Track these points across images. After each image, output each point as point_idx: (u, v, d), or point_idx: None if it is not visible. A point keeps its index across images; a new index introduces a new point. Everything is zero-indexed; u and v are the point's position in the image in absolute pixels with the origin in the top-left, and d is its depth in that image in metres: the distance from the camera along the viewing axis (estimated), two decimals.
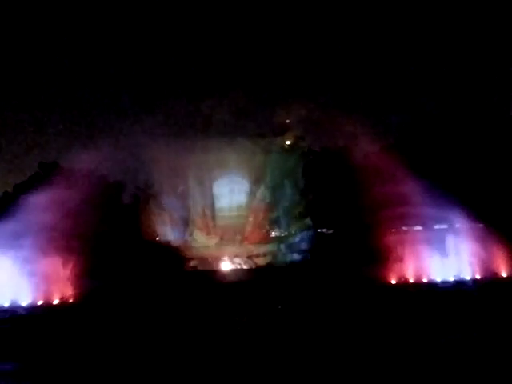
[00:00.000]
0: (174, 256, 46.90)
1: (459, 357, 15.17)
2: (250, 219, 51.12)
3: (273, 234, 51.72)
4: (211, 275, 42.29)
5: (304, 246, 48.65)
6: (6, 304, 29.24)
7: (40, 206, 35.53)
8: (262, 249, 49.80)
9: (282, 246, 49.39)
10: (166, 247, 47.77)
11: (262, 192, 51.50)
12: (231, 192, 51.84)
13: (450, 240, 34.52)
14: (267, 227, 51.71)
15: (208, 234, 50.85)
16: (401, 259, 33.81)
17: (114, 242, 41.44)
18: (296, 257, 48.00)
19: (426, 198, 35.63)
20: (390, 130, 55.45)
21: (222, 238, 50.62)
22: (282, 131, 54.19)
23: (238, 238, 50.54)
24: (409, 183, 36.69)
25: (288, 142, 54.22)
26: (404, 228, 43.24)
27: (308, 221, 49.99)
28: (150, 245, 46.93)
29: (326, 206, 47.64)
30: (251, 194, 51.66)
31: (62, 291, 31.71)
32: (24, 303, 29.59)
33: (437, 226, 41.68)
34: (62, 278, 32.42)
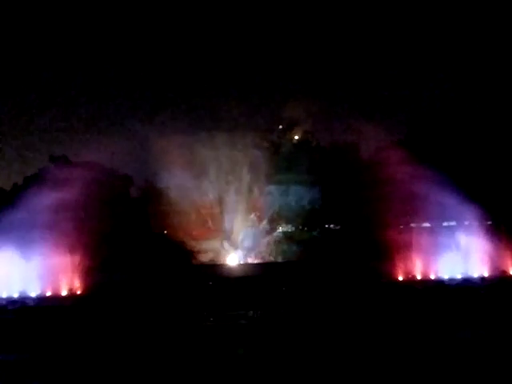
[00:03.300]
0: (181, 250, 47.11)
1: (466, 354, 15.11)
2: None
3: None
4: (218, 269, 42.42)
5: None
6: (16, 295, 29.63)
7: (49, 199, 35.79)
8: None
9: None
10: (174, 241, 47.93)
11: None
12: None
13: (458, 237, 34.29)
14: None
15: None
16: (408, 256, 33.67)
17: (122, 235, 41.63)
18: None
19: (434, 194, 35.41)
20: (400, 125, 55.02)
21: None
22: (291, 126, 54.09)
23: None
24: (417, 180, 36.46)
25: (296, 137, 54.11)
26: (412, 225, 42.99)
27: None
28: (158, 238, 47.13)
29: (333, 201, 47.49)
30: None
31: (70, 283, 32.06)
32: (33, 294, 29.97)
33: (445, 223, 41.40)
34: (70, 270, 32.77)
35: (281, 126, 55.11)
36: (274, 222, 51.18)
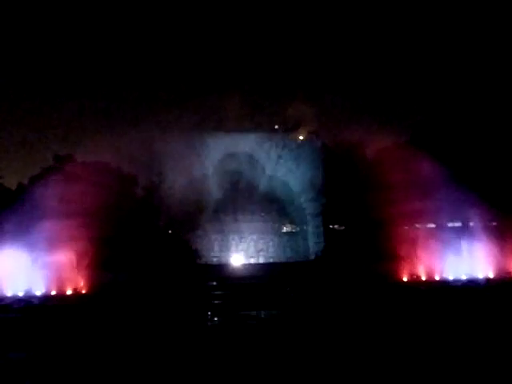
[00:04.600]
0: (186, 249, 47.18)
1: (470, 355, 15.06)
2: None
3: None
4: (223, 269, 42.45)
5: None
6: (21, 293, 29.76)
7: (54, 198, 35.92)
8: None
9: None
10: (179, 240, 48.00)
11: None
12: None
13: (464, 238, 34.20)
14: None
15: None
16: (413, 257, 33.61)
17: (127, 235, 41.70)
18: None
19: (439, 195, 35.32)
20: (405, 127, 54.97)
21: None
22: (296, 126, 54.06)
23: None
24: (422, 181, 36.38)
25: (301, 137, 54.07)
26: (417, 225, 42.85)
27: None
28: (163, 237, 47.20)
29: (338, 202, 47.39)
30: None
31: (75, 282, 32.18)
32: (38, 293, 30.10)
33: (450, 224, 41.27)
34: (75, 269, 32.89)
35: (285, 126, 55.09)
36: (278, 223, 51.22)
